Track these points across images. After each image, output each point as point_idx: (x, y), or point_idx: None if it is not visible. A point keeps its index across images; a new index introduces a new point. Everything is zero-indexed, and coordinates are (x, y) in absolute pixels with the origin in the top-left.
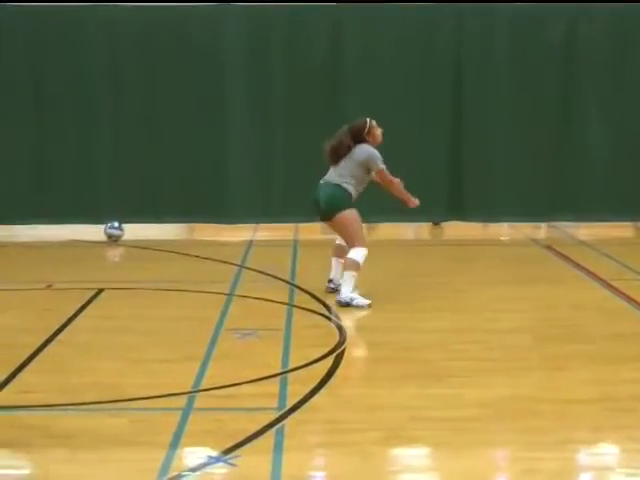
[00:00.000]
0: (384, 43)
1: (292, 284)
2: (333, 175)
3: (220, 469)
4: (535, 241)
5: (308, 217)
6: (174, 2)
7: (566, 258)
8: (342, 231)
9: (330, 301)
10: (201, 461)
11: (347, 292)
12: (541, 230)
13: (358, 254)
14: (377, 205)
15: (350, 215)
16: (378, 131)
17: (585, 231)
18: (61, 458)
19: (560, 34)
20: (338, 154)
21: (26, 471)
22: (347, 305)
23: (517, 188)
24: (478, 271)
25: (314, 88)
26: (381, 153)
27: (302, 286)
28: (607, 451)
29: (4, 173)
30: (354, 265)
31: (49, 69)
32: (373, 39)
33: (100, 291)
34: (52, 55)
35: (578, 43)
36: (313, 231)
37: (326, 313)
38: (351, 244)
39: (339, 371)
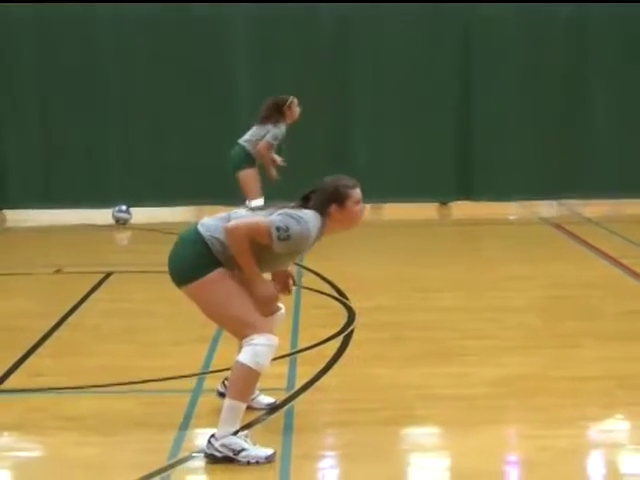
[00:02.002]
0: (391, 22)
1: (300, 265)
2: None
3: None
4: (544, 219)
5: None
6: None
7: (575, 236)
8: None
9: (339, 284)
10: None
11: None
12: (550, 208)
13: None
14: (383, 185)
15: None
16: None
17: (593, 209)
18: (72, 440)
19: (569, 13)
20: None
21: (37, 453)
22: None
23: (525, 167)
24: (487, 250)
25: (322, 76)
26: (388, 130)
27: (310, 267)
28: (618, 428)
29: (14, 158)
30: None
31: (59, 55)
32: (379, 21)
33: (109, 275)
34: (62, 40)
35: (587, 22)
36: None
37: (334, 294)
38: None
39: (348, 351)
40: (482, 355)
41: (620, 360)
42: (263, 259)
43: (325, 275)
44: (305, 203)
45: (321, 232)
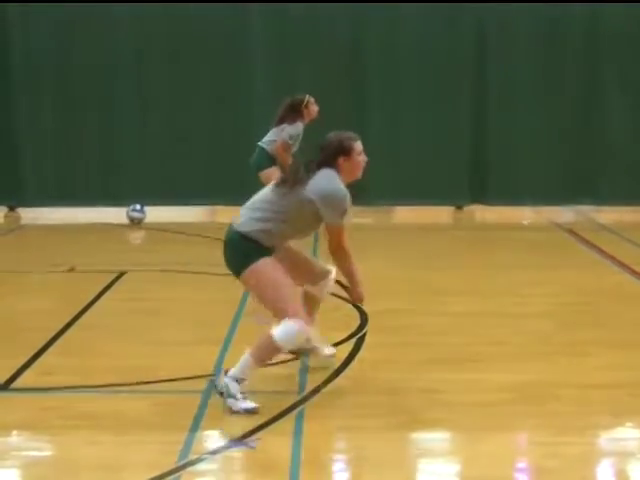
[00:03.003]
0: (406, 26)
1: None
2: None
3: (240, 452)
4: (558, 225)
5: None
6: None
7: (588, 243)
8: None
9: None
10: (221, 444)
11: None
12: (564, 214)
13: None
14: (398, 188)
15: None
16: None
17: (607, 215)
18: (82, 440)
19: (583, 13)
20: None
21: (48, 453)
22: None
23: (539, 172)
24: (500, 255)
25: (340, 73)
26: (405, 135)
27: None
28: (628, 436)
29: (29, 157)
30: None
31: (74, 54)
32: (395, 24)
33: (122, 274)
34: (78, 41)
35: (602, 28)
36: None
37: (347, 297)
38: None
39: (360, 355)
40: (494, 361)
41: (632, 368)
42: (298, 226)
43: (338, 278)
44: (315, 167)
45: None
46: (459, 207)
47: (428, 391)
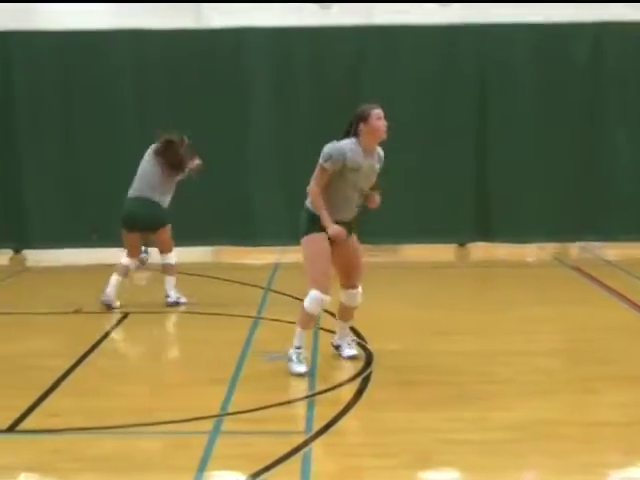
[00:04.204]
0: (406, 62)
1: None
2: None
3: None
4: (563, 262)
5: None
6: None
7: (594, 279)
8: None
9: (357, 325)
10: None
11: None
12: (568, 251)
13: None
14: (401, 226)
15: None
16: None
17: (613, 251)
18: None
19: (583, 49)
20: None
21: None
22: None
23: (543, 209)
24: (505, 293)
25: (338, 106)
26: (405, 171)
27: (329, 309)
28: (637, 475)
29: (33, 199)
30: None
31: (77, 93)
32: (395, 59)
33: (127, 315)
34: (79, 78)
35: (602, 60)
36: None
37: (353, 336)
38: None
39: (366, 394)
40: (500, 399)
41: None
42: (341, 189)
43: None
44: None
45: (363, 148)
46: (462, 244)
47: (436, 430)
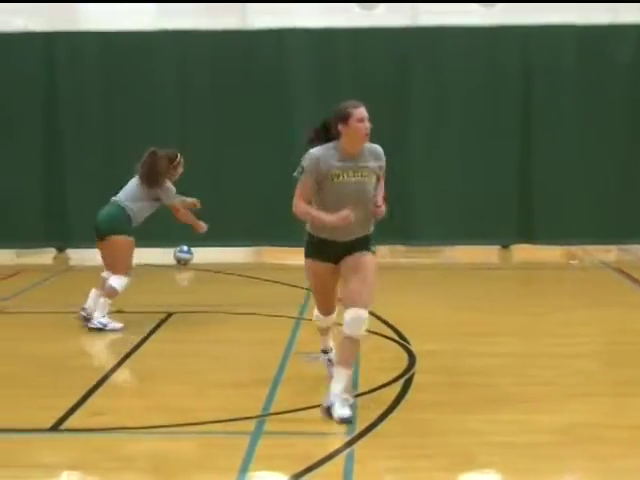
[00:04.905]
0: (450, 64)
1: None
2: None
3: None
4: (606, 264)
5: (375, 241)
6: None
7: (636, 281)
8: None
9: (400, 327)
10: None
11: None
12: (612, 253)
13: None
14: (444, 228)
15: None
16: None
17: None
18: None
19: (627, 51)
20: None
21: None
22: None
23: (587, 210)
24: (548, 295)
25: (381, 108)
26: (449, 173)
27: (371, 310)
28: None
29: (76, 198)
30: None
31: (120, 96)
32: (439, 60)
33: (170, 315)
34: (122, 79)
35: None
36: (381, 255)
37: (395, 337)
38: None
39: (408, 396)
40: (542, 402)
41: None
42: (328, 202)
43: (385, 318)
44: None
45: (342, 151)
46: (505, 246)
47: (477, 432)
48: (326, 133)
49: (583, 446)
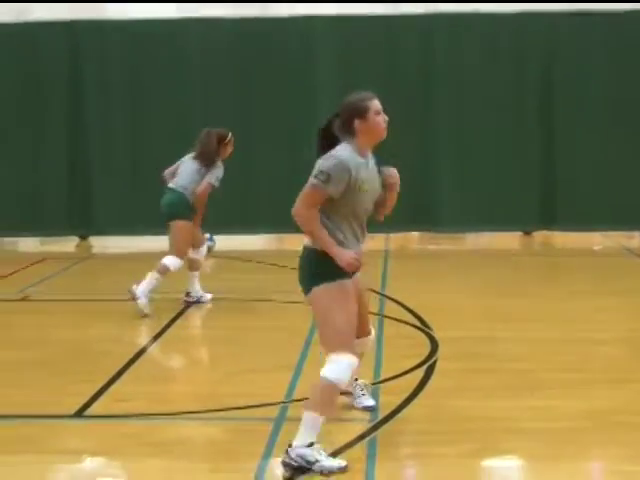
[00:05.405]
0: (473, 49)
1: (383, 294)
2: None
3: (313, 479)
4: (629, 250)
5: (399, 227)
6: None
7: None
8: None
9: (422, 314)
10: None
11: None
12: (635, 239)
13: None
14: (467, 214)
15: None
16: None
17: None
18: (156, 467)
19: None
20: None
21: None
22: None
23: (609, 196)
24: (570, 281)
25: (406, 95)
26: (471, 159)
27: (393, 296)
28: None
29: (100, 186)
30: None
31: (145, 84)
32: (463, 46)
33: (192, 303)
34: (146, 67)
35: None
36: (403, 241)
37: (417, 324)
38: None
39: (431, 382)
40: (566, 388)
41: None
42: (344, 215)
43: (408, 305)
44: (327, 138)
45: (359, 153)
46: (527, 233)
47: (500, 418)
48: (331, 137)
49: (608, 432)
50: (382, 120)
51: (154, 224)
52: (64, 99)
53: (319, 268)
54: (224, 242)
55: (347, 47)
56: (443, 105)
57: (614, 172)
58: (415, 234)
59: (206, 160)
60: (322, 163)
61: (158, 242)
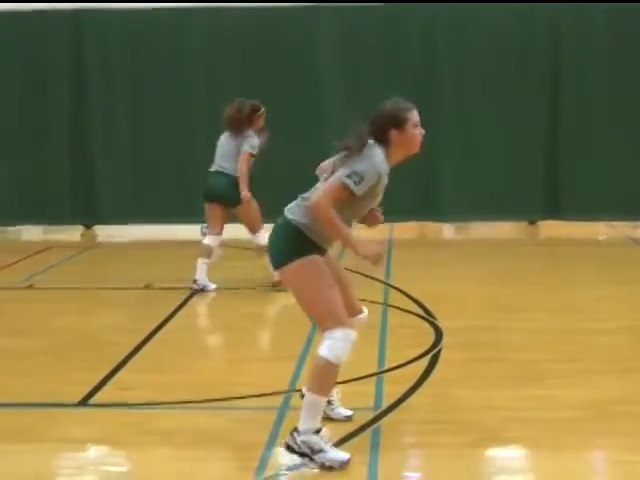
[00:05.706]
0: (477, 38)
1: (387, 284)
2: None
3: (316, 469)
4: (633, 240)
5: (403, 216)
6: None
7: None
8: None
9: (427, 303)
10: (297, 461)
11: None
12: (639, 229)
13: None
14: (471, 204)
15: None
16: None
17: None
18: (159, 456)
19: None
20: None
21: (125, 469)
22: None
23: (614, 186)
24: (574, 271)
25: (410, 86)
26: (475, 149)
27: (397, 286)
28: None
29: (105, 175)
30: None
31: (148, 72)
32: (466, 35)
33: (197, 290)
34: (149, 55)
35: None
36: (408, 230)
37: (422, 313)
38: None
39: (435, 371)
40: (570, 378)
41: None
42: (345, 215)
43: (412, 294)
44: (360, 139)
45: (388, 161)
46: (532, 222)
47: (504, 408)
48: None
49: (610, 422)
50: (418, 133)
51: (158, 212)
52: (67, 87)
53: (294, 244)
54: (229, 231)
55: (350, 36)
56: (448, 93)
57: (619, 162)
58: (419, 223)
59: (236, 127)
60: (357, 165)
61: (162, 230)
